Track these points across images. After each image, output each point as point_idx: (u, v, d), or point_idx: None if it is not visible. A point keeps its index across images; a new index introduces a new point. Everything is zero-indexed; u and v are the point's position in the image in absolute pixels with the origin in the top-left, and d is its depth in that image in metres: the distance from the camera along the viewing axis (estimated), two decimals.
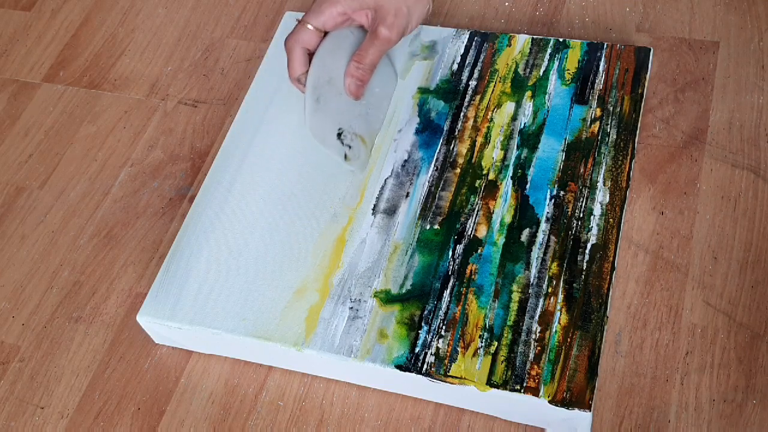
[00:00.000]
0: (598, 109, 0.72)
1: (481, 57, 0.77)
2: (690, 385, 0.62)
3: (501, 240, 0.66)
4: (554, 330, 0.61)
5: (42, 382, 0.69)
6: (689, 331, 0.64)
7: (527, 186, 0.68)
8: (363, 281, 0.65)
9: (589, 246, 0.65)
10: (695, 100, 0.75)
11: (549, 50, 0.76)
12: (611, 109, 0.72)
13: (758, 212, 0.69)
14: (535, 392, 0.59)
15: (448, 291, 0.64)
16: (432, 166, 0.71)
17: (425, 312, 0.63)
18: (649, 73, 0.74)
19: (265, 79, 0.79)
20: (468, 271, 0.65)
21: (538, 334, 0.61)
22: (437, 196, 0.69)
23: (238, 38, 0.88)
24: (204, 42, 0.89)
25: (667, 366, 0.63)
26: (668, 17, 0.81)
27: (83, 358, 0.69)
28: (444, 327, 0.62)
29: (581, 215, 0.66)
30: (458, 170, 0.70)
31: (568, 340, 0.60)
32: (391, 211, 0.69)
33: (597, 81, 0.73)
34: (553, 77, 0.74)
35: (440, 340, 0.62)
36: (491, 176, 0.69)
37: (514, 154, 0.70)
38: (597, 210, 0.66)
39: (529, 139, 0.71)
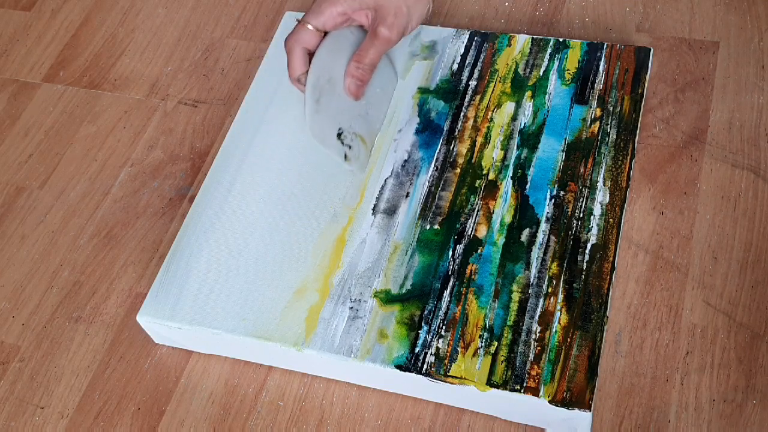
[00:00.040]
0: (598, 109, 0.72)
1: (481, 57, 0.77)
2: (690, 385, 0.62)
3: (501, 240, 0.66)
4: (554, 330, 0.61)
5: (42, 382, 0.69)
6: (689, 331, 0.64)
7: (527, 186, 0.68)
8: (363, 281, 0.65)
9: (589, 246, 0.65)
10: (695, 100, 0.75)
11: (549, 50, 0.76)
12: (611, 109, 0.72)
13: (758, 212, 0.69)
14: (535, 392, 0.59)
15: (448, 291, 0.64)
16: (432, 166, 0.71)
17: (425, 312, 0.63)
18: (649, 73, 0.74)
19: (265, 79, 0.79)
20: (468, 271, 0.65)
21: (538, 334, 0.61)
22: (437, 196, 0.69)
23: (238, 38, 0.88)
24: (204, 42, 0.89)
25: (667, 366, 0.63)
26: (668, 17, 0.81)
27: (83, 358, 0.69)
28: (444, 327, 0.62)
29: (581, 215, 0.66)
30: (458, 170, 0.70)
31: (568, 340, 0.60)
32: (391, 211, 0.69)
33: (597, 81, 0.73)
34: (553, 77, 0.74)
35: (440, 340, 0.62)
36: (491, 176, 0.69)
37: (514, 154, 0.70)
38: (597, 210, 0.66)
39: (529, 139, 0.71)
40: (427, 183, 0.70)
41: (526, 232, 0.66)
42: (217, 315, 0.65)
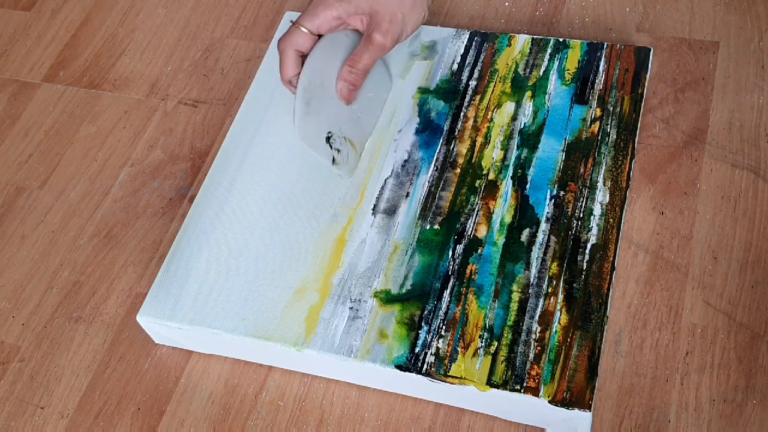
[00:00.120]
0: (598, 109, 0.72)
1: (481, 57, 0.77)
2: (690, 385, 0.62)
3: (501, 240, 0.66)
4: (554, 330, 0.61)
5: (42, 382, 0.69)
6: (689, 331, 0.64)
7: (527, 186, 0.68)
8: (363, 281, 0.65)
9: (589, 246, 0.65)
10: (695, 100, 0.75)
11: (549, 50, 0.76)
12: (611, 109, 0.72)
13: (758, 212, 0.69)
14: (535, 392, 0.59)
15: (448, 291, 0.64)
16: (432, 166, 0.71)
17: (425, 312, 0.63)
18: (649, 73, 0.74)
19: (265, 79, 0.79)
20: (468, 271, 0.65)
21: (538, 334, 0.61)
22: (437, 196, 0.69)
23: (238, 38, 0.88)
24: (204, 42, 0.89)
25: (667, 366, 0.63)
26: (668, 17, 0.81)
27: (83, 358, 0.69)
28: (444, 327, 0.62)
29: (581, 215, 0.66)
30: (458, 170, 0.70)
31: (568, 340, 0.60)
32: (391, 211, 0.69)
33: (597, 81, 0.73)
34: (553, 77, 0.74)
35: (440, 340, 0.62)
36: (491, 176, 0.69)
37: (514, 154, 0.70)
38: (597, 210, 0.66)
39: (529, 139, 0.71)
40: (427, 183, 0.70)
41: (526, 232, 0.66)
42: (217, 315, 0.65)
